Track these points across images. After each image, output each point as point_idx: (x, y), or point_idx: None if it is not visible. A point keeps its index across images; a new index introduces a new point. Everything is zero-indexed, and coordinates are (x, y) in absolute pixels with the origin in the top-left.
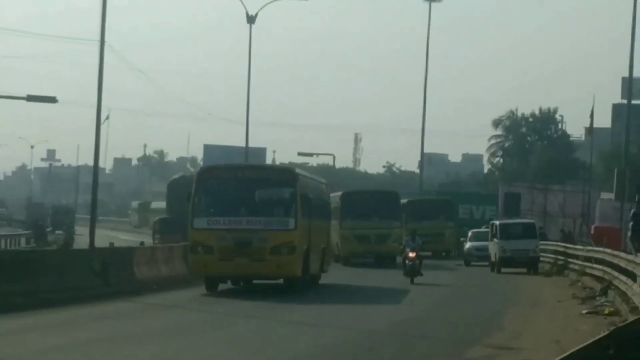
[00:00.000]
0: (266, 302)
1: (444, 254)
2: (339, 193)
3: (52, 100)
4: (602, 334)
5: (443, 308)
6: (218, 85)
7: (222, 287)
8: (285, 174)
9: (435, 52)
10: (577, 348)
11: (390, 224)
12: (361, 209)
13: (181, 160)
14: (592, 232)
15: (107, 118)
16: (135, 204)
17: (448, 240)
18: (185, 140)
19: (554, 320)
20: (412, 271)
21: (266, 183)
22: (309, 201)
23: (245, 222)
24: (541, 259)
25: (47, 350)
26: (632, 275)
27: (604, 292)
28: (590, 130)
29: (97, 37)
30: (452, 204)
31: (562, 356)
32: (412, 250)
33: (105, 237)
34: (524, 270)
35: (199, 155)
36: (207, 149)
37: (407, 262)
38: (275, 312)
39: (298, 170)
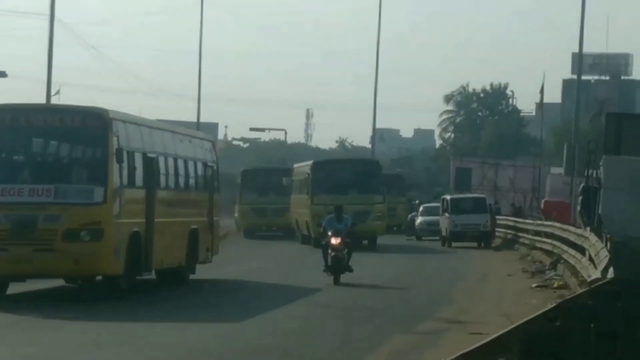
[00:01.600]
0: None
1: (395, 228)
2: (309, 162)
3: (1, 74)
4: (549, 307)
5: (390, 284)
6: (170, 61)
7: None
8: (92, 118)
9: (386, 27)
10: (524, 320)
11: (371, 198)
12: (336, 182)
13: None
14: (542, 206)
15: (58, 92)
16: None
17: (400, 215)
18: (137, 114)
19: (504, 294)
20: (337, 266)
21: (63, 132)
22: (147, 161)
23: (28, 191)
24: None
25: None
26: (581, 249)
27: (553, 266)
28: (540, 106)
29: (47, 11)
30: (403, 179)
31: (509, 328)
32: (337, 234)
33: None
34: (475, 244)
35: None
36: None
37: (329, 252)
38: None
39: (114, 113)
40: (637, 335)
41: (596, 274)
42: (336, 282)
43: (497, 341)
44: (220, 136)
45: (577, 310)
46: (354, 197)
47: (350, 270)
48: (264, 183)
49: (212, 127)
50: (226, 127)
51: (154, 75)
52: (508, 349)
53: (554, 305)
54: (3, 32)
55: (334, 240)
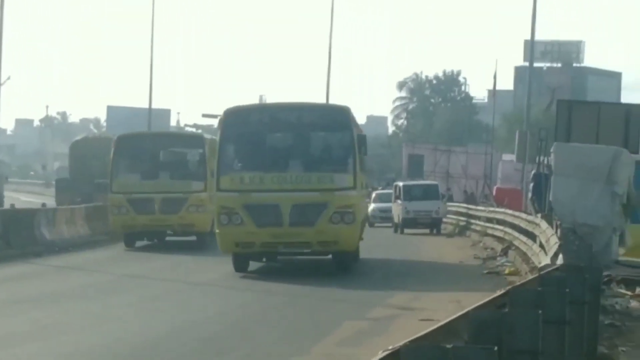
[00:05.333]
0: None
1: None
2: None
3: None
4: (498, 293)
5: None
6: (123, 47)
7: None
8: None
9: (340, 14)
10: (474, 306)
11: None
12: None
13: (84, 121)
14: (493, 193)
15: (9, 78)
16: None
17: None
18: (88, 101)
19: (455, 281)
20: None
21: None
22: None
23: None
24: (444, 220)
25: None
26: (532, 236)
27: (504, 253)
28: (493, 93)
29: None
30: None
31: (459, 314)
32: None
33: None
34: (427, 231)
35: (102, 116)
36: (110, 109)
37: None
38: None
39: None
40: (583, 322)
41: (546, 261)
42: None
43: (446, 327)
44: (173, 122)
45: (526, 296)
46: (297, 179)
47: None
48: (151, 159)
49: (165, 114)
50: (179, 113)
51: (107, 60)
52: (457, 335)
53: (503, 291)
54: None
55: None
